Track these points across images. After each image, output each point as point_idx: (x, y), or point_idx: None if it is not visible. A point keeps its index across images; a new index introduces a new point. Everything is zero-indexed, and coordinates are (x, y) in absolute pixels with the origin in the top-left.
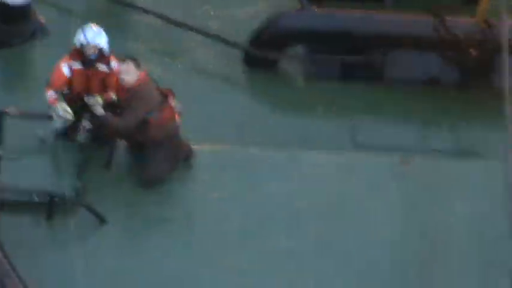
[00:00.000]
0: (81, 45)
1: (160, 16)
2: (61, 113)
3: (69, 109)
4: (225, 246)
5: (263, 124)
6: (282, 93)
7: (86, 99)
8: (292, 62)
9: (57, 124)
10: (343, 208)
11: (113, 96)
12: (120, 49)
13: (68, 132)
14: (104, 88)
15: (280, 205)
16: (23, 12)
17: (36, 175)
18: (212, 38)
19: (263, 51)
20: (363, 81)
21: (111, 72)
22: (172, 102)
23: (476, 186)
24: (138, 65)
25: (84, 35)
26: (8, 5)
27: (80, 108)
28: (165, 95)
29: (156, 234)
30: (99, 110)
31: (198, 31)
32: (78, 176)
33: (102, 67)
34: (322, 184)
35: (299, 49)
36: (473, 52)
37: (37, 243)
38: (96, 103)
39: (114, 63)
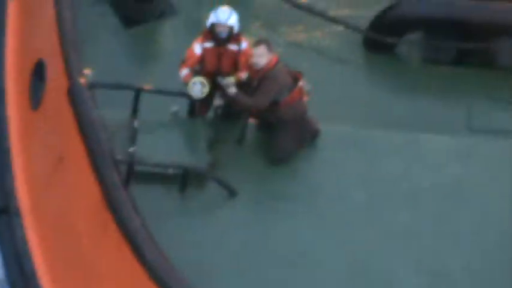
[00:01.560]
0: (212, 24)
1: None
2: (200, 86)
3: (206, 82)
4: (347, 222)
5: (383, 106)
6: (400, 77)
7: (219, 80)
8: (411, 47)
9: (196, 94)
10: (460, 190)
11: (244, 75)
12: (244, 29)
13: (200, 108)
14: (234, 67)
15: (399, 185)
16: None
17: (170, 149)
18: (334, 22)
19: (383, 35)
20: (478, 67)
21: (242, 52)
22: (302, 83)
23: None
24: (270, 48)
25: (216, 15)
26: None
27: (212, 86)
28: (294, 77)
29: (282, 210)
30: (232, 90)
31: (320, 14)
32: (210, 150)
33: (232, 46)
34: (440, 166)
35: (417, 35)
36: None
37: (170, 214)
38: (229, 83)
39: (244, 43)
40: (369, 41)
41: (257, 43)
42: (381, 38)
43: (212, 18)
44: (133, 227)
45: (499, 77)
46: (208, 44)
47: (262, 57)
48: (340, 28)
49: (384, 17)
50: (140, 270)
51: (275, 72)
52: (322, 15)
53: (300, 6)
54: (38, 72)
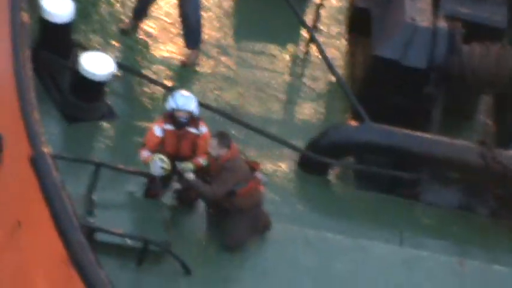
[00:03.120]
0: (173, 109)
1: (222, 113)
2: (159, 163)
3: (166, 159)
4: None
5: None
6: (333, 198)
7: (177, 164)
8: (345, 171)
9: (156, 171)
10: None
11: (202, 162)
12: None
13: (156, 191)
14: (194, 151)
15: (347, 284)
16: (99, 90)
17: (125, 226)
18: (272, 140)
19: (319, 157)
20: (404, 198)
21: (201, 136)
22: (258, 174)
23: None
24: (222, 142)
25: (175, 101)
26: (90, 80)
27: (171, 169)
28: (252, 167)
29: None
30: (189, 176)
31: (260, 131)
32: (166, 230)
33: (192, 129)
34: (385, 273)
35: (352, 160)
36: None
37: (123, 286)
38: (186, 169)
39: (203, 128)
40: (304, 160)
41: (213, 135)
42: (317, 159)
43: (171, 103)
44: (99, 282)
45: (427, 209)
46: (169, 127)
47: (213, 148)
48: (277, 146)
49: (321, 139)
50: None
51: (233, 163)
52: (260, 131)
53: (236, 120)
54: None
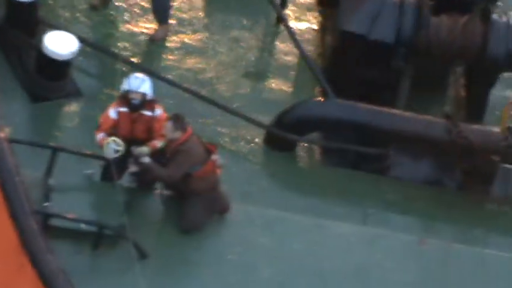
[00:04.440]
0: (126, 91)
1: (187, 90)
2: (113, 146)
3: (121, 142)
4: None
5: (284, 195)
6: (298, 174)
7: (132, 149)
8: (309, 147)
9: (109, 154)
10: (363, 275)
11: (158, 144)
12: None
13: (114, 173)
14: (149, 133)
15: (304, 264)
16: (64, 69)
17: (84, 208)
18: (237, 116)
19: (285, 133)
20: (372, 173)
21: (155, 118)
22: (215, 156)
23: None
24: (177, 125)
25: (128, 82)
26: (53, 60)
27: (127, 152)
28: (208, 150)
29: (189, 274)
30: (145, 159)
31: (225, 108)
32: (122, 214)
33: (146, 112)
34: (344, 251)
35: (317, 136)
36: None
37: (81, 271)
38: (142, 153)
39: (158, 110)
40: (270, 137)
41: (169, 118)
42: (282, 136)
43: (125, 85)
44: (50, 269)
45: (392, 184)
46: (123, 109)
47: (168, 131)
48: (243, 123)
49: (288, 115)
50: None
51: (188, 146)
52: (225, 108)
53: (204, 98)
54: None
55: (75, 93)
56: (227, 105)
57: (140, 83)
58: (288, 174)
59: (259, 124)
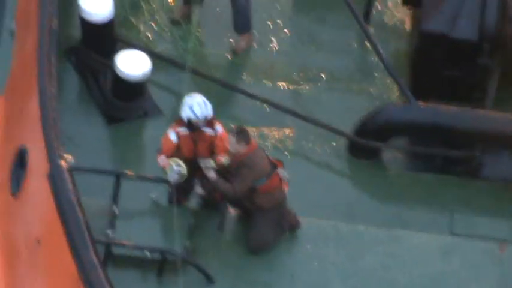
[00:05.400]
0: (190, 119)
1: (267, 101)
2: (175, 167)
3: (182, 163)
4: None
5: (365, 207)
6: (384, 183)
7: (199, 160)
8: (394, 153)
9: (173, 179)
10: (439, 286)
11: (224, 160)
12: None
13: (180, 196)
14: (211, 151)
15: (377, 278)
16: (138, 89)
17: (148, 235)
18: (319, 126)
19: (367, 140)
20: (460, 176)
21: (217, 135)
22: (281, 171)
23: None
24: (240, 138)
25: (192, 112)
26: (125, 81)
27: (192, 174)
28: (274, 165)
29: None
30: (211, 174)
31: (304, 117)
32: (189, 237)
33: (207, 130)
34: (420, 263)
35: (402, 141)
36: None
37: None
38: (209, 165)
39: (219, 127)
40: (353, 145)
41: (231, 132)
42: (364, 143)
43: (189, 114)
44: None
45: (481, 187)
46: (183, 130)
47: (232, 144)
48: (325, 132)
49: (369, 122)
50: None
51: (252, 159)
52: (307, 118)
53: (284, 109)
54: (20, 159)
55: (154, 112)
56: (308, 114)
57: (204, 109)
58: (372, 182)
59: (341, 133)
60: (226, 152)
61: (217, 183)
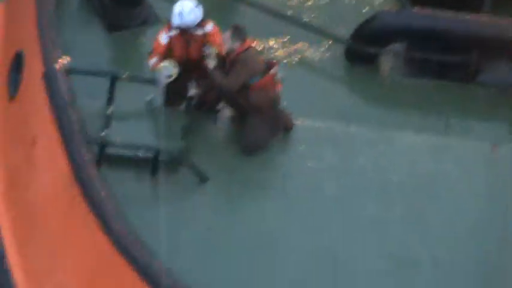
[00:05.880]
0: (179, 26)
1: (264, 8)
2: (167, 65)
3: (173, 62)
4: (316, 211)
5: (361, 111)
6: (380, 87)
7: (203, 49)
8: (391, 59)
9: (165, 74)
10: (431, 186)
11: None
12: None
13: (175, 98)
14: (201, 55)
15: (371, 178)
16: None
17: (143, 134)
18: (316, 32)
19: (364, 46)
20: (456, 81)
21: (207, 34)
22: (274, 70)
23: None
24: (237, 34)
25: (181, 19)
26: None
27: (186, 77)
28: (268, 64)
29: (252, 196)
30: (211, 63)
31: (302, 24)
32: (183, 138)
33: (198, 31)
34: (413, 162)
35: (398, 47)
36: None
37: (140, 197)
38: (212, 53)
39: (209, 26)
40: (350, 51)
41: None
42: (362, 49)
43: (177, 20)
44: (100, 199)
45: (477, 92)
46: (174, 32)
47: (226, 41)
48: (322, 38)
49: (365, 28)
50: (106, 241)
51: (246, 56)
52: (305, 25)
53: (282, 17)
54: (17, 63)
55: (153, 20)
56: (305, 20)
57: (193, 15)
58: (368, 87)
59: (338, 39)
60: (220, 46)
61: (214, 75)
